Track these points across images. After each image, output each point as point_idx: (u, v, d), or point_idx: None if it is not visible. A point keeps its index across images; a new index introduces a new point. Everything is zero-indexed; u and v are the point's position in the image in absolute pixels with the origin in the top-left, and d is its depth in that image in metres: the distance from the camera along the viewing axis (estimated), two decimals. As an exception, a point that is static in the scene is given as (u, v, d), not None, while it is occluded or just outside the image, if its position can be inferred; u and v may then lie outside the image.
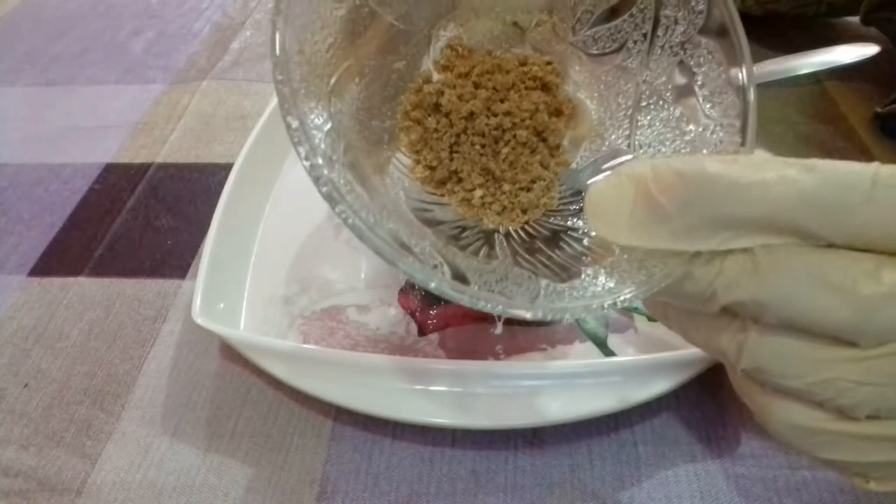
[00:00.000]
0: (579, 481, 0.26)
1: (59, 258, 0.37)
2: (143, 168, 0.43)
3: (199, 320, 0.28)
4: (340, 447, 0.28)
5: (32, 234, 0.38)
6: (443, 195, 0.25)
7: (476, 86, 0.26)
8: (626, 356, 0.30)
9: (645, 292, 0.18)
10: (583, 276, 0.20)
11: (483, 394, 0.27)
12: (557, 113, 0.27)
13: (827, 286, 0.15)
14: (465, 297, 0.17)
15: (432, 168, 0.25)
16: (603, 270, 0.20)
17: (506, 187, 0.25)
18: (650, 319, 0.32)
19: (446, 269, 0.18)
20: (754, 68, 0.32)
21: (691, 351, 0.29)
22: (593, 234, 0.21)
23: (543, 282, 0.20)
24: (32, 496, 0.26)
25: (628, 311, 0.32)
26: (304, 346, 0.31)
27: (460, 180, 0.25)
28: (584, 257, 0.22)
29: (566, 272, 0.21)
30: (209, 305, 0.29)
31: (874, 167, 0.14)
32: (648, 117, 0.26)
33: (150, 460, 0.27)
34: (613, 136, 0.26)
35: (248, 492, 0.26)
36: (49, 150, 0.45)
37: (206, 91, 0.50)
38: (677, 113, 0.24)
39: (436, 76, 0.26)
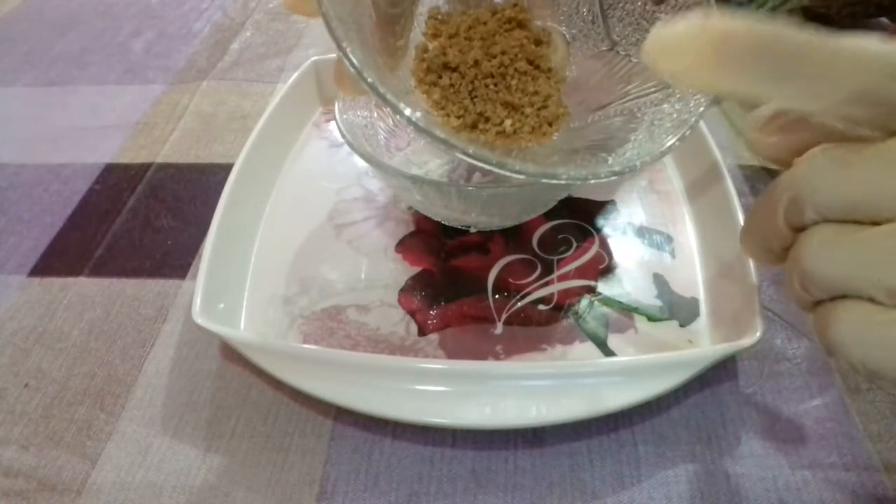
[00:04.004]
0: (579, 481, 0.26)
1: (59, 258, 0.37)
2: (143, 168, 0.43)
3: (199, 320, 0.28)
4: (340, 447, 0.28)
5: (32, 234, 0.38)
6: (478, 136, 0.28)
7: (468, 40, 0.30)
8: (626, 356, 0.30)
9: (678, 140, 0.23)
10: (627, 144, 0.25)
11: (483, 394, 0.27)
12: (538, 42, 0.31)
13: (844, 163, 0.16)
14: (529, 170, 0.21)
15: (461, 117, 0.29)
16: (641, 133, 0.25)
17: (527, 110, 0.29)
18: (650, 319, 0.32)
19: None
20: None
21: (691, 351, 0.29)
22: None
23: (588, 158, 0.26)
24: (32, 496, 0.26)
25: (628, 310, 0.32)
26: (304, 346, 0.31)
27: (488, 119, 0.28)
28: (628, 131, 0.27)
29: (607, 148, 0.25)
30: (209, 305, 0.29)
31: None
32: (617, 14, 0.30)
33: (150, 460, 0.27)
34: (591, 43, 0.31)
35: (248, 492, 0.26)
36: (49, 150, 0.45)
37: (206, 91, 0.50)
38: (640, 2, 0.29)
39: (430, 45, 0.31)
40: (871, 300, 0.16)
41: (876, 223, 0.16)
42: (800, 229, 0.18)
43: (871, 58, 0.15)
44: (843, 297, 0.17)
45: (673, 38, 0.17)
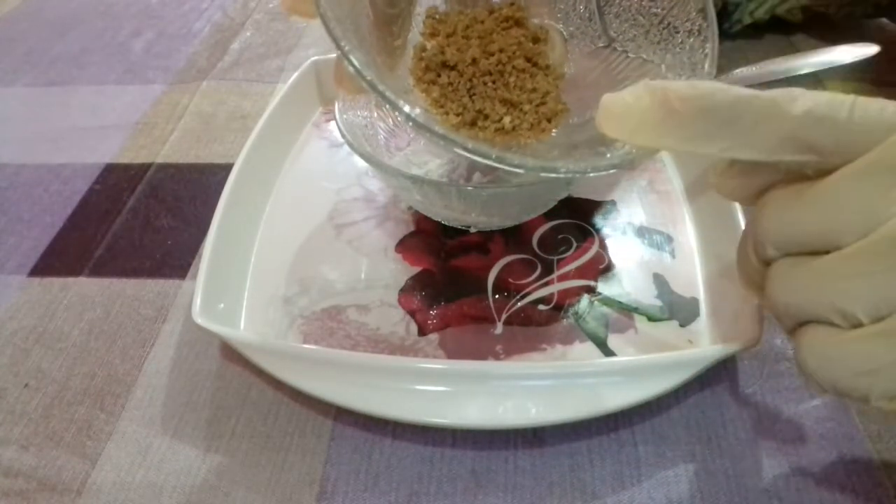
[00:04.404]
0: (579, 481, 0.26)
1: (59, 258, 0.37)
2: (143, 168, 0.43)
3: (199, 320, 0.28)
4: (340, 447, 0.28)
5: (32, 234, 0.38)
6: (477, 133, 0.28)
7: (466, 38, 0.30)
8: (626, 356, 0.30)
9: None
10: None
11: (483, 394, 0.27)
12: (536, 40, 0.31)
13: (798, 198, 0.18)
14: (528, 164, 0.21)
15: (460, 114, 0.29)
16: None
17: (526, 107, 0.29)
18: (650, 319, 0.32)
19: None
20: (754, 69, 0.33)
21: (691, 351, 0.29)
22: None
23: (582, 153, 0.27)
24: (32, 496, 0.26)
25: (629, 310, 0.32)
26: (304, 346, 0.31)
27: (487, 116, 0.29)
28: None
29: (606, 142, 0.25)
30: (209, 305, 0.29)
31: (852, 96, 0.17)
32: (614, 10, 0.31)
33: (150, 460, 0.27)
34: (588, 40, 0.32)
35: (248, 492, 0.26)
36: (49, 150, 0.45)
37: (206, 91, 0.50)
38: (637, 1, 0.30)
39: (428, 44, 0.31)
40: (830, 323, 0.18)
41: (827, 252, 0.17)
42: (769, 265, 0.20)
43: (792, 107, 0.17)
44: (808, 322, 0.19)
45: (619, 105, 0.19)
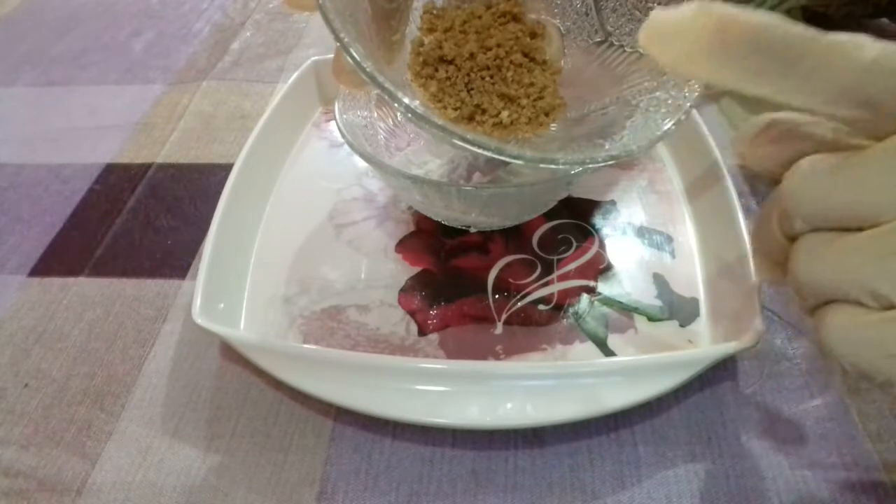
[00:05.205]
0: (579, 481, 0.26)
1: (59, 258, 0.37)
2: (143, 168, 0.43)
3: (199, 320, 0.28)
4: (340, 447, 0.28)
5: (32, 234, 0.38)
6: (475, 127, 0.28)
7: (463, 33, 0.30)
8: (626, 356, 0.30)
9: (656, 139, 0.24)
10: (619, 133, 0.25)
11: (483, 394, 0.27)
12: (533, 35, 0.31)
13: (836, 173, 0.17)
14: (527, 155, 0.21)
15: (458, 108, 0.29)
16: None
17: (524, 102, 0.29)
18: (650, 319, 0.32)
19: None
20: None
21: (691, 351, 0.29)
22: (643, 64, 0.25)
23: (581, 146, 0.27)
24: (32, 496, 0.26)
25: (629, 310, 0.32)
26: (304, 346, 0.31)
27: (485, 111, 0.29)
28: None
29: (605, 135, 0.25)
30: (209, 305, 0.29)
31: None
32: (611, 5, 0.31)
33: (150, 460, 0.27)
34: (585, 35, 0.32)
35: (248, 492, 0.26)
36: (49, 150, 0.45)
37: (206, 91, 0.50)
38: None
39: (426, 39, 0.31)
40: (858, 303, 0.17)
41: (861, 229, 0.17)
42: (794, 239, 0.19)
43: (859, 53, 0.15)
44: (835, 301, 0.18)
45: (669, 23, 0.16)
